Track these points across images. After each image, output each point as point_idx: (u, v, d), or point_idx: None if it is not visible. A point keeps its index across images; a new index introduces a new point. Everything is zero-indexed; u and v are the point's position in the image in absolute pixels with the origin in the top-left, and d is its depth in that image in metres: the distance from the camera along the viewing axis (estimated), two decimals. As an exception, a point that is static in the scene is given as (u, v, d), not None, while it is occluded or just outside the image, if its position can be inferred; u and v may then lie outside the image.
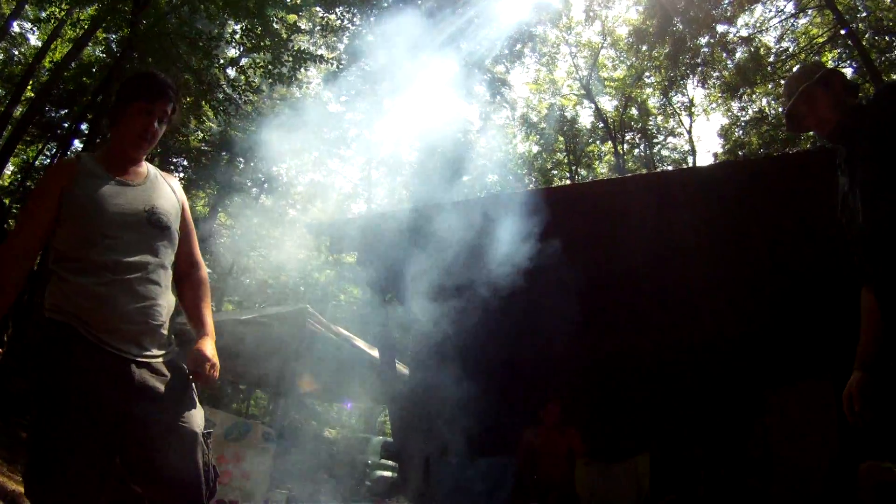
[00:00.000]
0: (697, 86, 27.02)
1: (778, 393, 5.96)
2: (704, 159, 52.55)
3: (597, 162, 30.73)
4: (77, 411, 2.55)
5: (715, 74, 25.64)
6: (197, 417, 2.86)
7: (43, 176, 2.99)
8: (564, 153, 30.53)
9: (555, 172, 30.70)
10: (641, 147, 30.35)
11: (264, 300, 23.90)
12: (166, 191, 3.11)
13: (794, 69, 3.11)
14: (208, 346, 2.95)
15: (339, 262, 21.31)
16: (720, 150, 27.91)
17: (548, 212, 5.54)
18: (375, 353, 10.47)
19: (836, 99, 2.87)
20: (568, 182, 28.96)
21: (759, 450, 6.15)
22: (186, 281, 3.20)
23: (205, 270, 3.31)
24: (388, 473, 12.23)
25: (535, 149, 30.97)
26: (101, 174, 2.93)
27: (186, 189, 20.37)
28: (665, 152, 30.40)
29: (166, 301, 2.93)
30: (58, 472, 2.53)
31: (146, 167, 3.12)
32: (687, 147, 29.78)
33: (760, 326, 6.83)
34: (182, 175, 17.93)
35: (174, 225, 3.04)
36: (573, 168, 30.20)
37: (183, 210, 3.16)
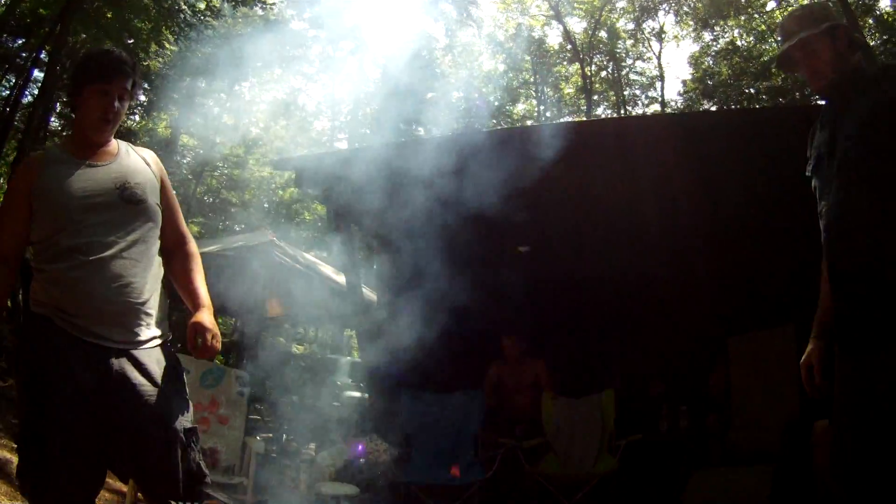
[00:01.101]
0: (669, 13, 26.95)
1: (740, 338, 6.13)
2: (673, 86, 52.93)
3: (563, 83, 30.62)
4: (61, 404, 2.59)
5: (687, 4, 25.56)
6: (179, 413, 2.77)
7: (13, 176, 3.06)
8: (531, 73, 30.38)
9: (521, 91, 30.62)
10: (609, 69, 30.23)
11: (227, 218, 23.86)
12: (140, 165, 3.03)
13: (798, 7, 2.99)
14: (206, 317, 2.92)
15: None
16: (689, 78, 27.92)
17: (519, 150, 5.58)
18: (341, 278, 10.58)
19: (836, 54, 2.74)
20: (534, 101, 29.04)
21: (720, 393, 6.36)
22: (175, 256, 3.12)
23: (193, 244, 3.24)
24: (357, 394, 12.38)
25: (502, 67, 30.72)
26: (67, 159, 2.90)
27: (147, 112, 20.13)
28: (633, 76, 30.49)
29: (148, 278, 2.88)
30: (48, 465, 2.58)
31: (116, 144, 3.04)
32: (656, 72, 29.89)
33: (728, 271, 6.98)
34: (143, 98, 17.58)
35: (151, 198, 2.95)
36: (539, 88, 30.16)
37: (163, 183, 3.08)
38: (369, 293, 9.54)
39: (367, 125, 25.07)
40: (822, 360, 2.78)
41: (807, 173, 2.87)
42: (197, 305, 2.98)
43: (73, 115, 3.05)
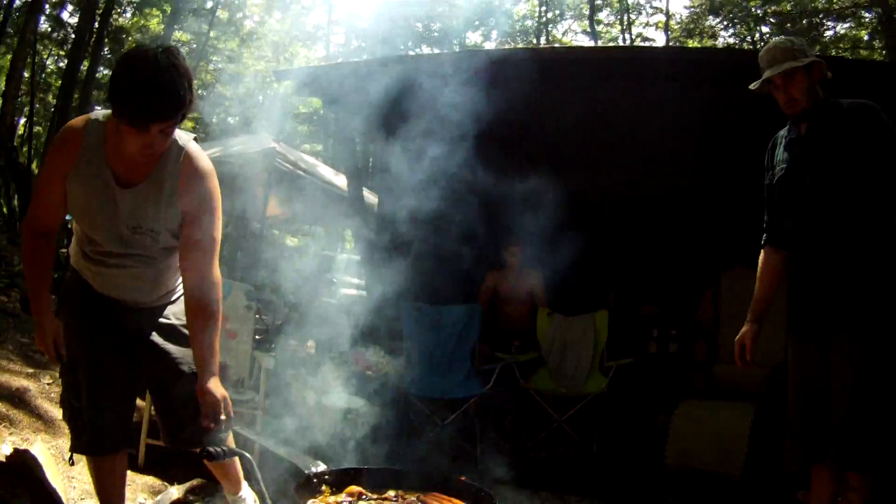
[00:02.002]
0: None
1: (733, 274, 6.30)
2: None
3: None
4: (92, 340, 3.01)
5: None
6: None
7: (50, 153, 2.93)
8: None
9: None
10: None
11: (222, 112, 23.60)
12: (165, 191, 2.83)
13: (780, 39, 3.35)
14: (216, 387, 2.78)
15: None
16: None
17: (528, 70, 5.62)
18: (340, 179, 10.69)
19: (811, 86, 3.20)
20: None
21: (709, 324, 6.59)
22: (191, 307, 2.89)
23: (218, 290, 2.91)
24: (353, 291, 12.46)
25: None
26: (100, 167, 2.76)
27: (140, 9, 19.71)
28: None
29: (162, 281, 3.14)
30: (81, 390, 3.01)
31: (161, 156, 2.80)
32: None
33: (730, 205, 7.08)
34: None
35: (164, 232, 2.90)
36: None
37: (187, 208, 2.87)
38: (370, 196, 9.62)
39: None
40: (753, 341, 3.53)
41: (768, 182, 3.48)
42: (206, 375, 2.81)
43: None
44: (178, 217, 2.87)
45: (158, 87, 2.45)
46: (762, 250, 3.64)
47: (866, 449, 3.04)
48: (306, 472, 2.56)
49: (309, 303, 10.16)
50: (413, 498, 2.68)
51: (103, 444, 3.10)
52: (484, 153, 6.20)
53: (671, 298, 7.61)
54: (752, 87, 3.36)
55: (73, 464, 3.29)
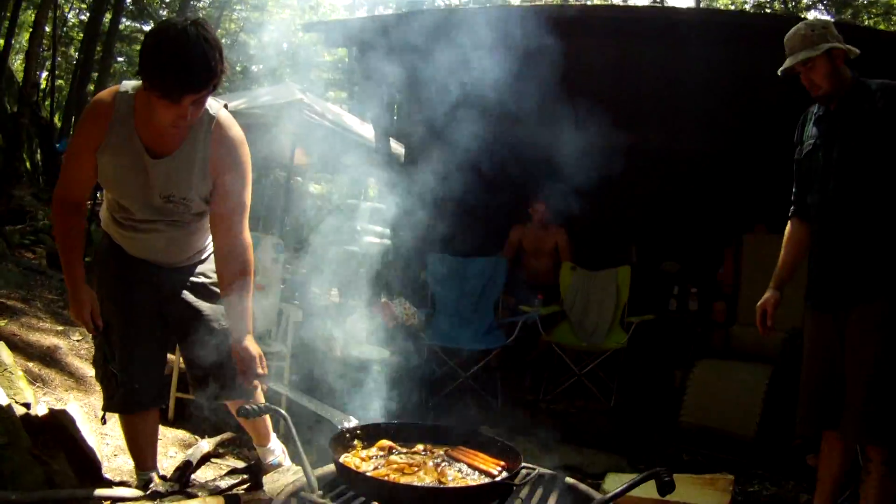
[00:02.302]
0: None
1: (755, 237, 6.34)
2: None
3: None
4: (131, 293, 3.11)
5: None
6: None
7: (79, 125, 2.97)
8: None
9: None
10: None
11: (246, 60, 23.43)
12: (197, 161, 2.89)
13: (800, 26, 3.37)
14: (251, 344, 2.89)
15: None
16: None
17: (552, 26, 5.61)
18: (368, 129, 10.73)
19: (832, 70, 3.25)
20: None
21: (729, 285, 6.65)
22: (226, 268, 2.98)
23: (250, 252, 3.01)
24: (376, 240, 12.55)
25: None
26: (131, 139, 2.80)
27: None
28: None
29: (193, 242, 3.23)
30: (122, 343, 3.14)
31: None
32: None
33: (759, 167, 7.08)
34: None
35: (197, 205, 2.99)
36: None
37: (223, 181, 2.92)
38: (396, 146, 9.66)
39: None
40: (774, 307, 3.63)
41: (797, 156, 3.55)
42: (241, 333, 2.91)
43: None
44: (210, 184, 2.93)
45: (189, 60, 2.47)
46: (789, 221, 3.70)
47: (886, 424, 3.10)
48: (339, 427, 2.66)
49: (333, 251, 10.28)
50: (441, 452, 2.80)
51: (136, 402, 3.23)
52: (511, 108, 6.22)
53: (693, 257, 7.67)
54: (779, 71, 3.40)
55: (104, 422, 3.39)
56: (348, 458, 2.53)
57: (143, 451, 3.37)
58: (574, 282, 7.11)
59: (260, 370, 2.86)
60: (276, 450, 3.72)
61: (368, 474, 2.39)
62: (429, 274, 7.07)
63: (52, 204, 2.95)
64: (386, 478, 2.38)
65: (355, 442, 2.68)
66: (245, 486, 3.30)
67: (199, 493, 2.87)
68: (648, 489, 3.93)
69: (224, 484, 3.14)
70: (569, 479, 2.78)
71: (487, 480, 2.50)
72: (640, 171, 7.82)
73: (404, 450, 2.75)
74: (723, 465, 4.75)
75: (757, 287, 5.82)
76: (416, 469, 2.52)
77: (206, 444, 4.06)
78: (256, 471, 3.48)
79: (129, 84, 2.86)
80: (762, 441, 5.01)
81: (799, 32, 3.32)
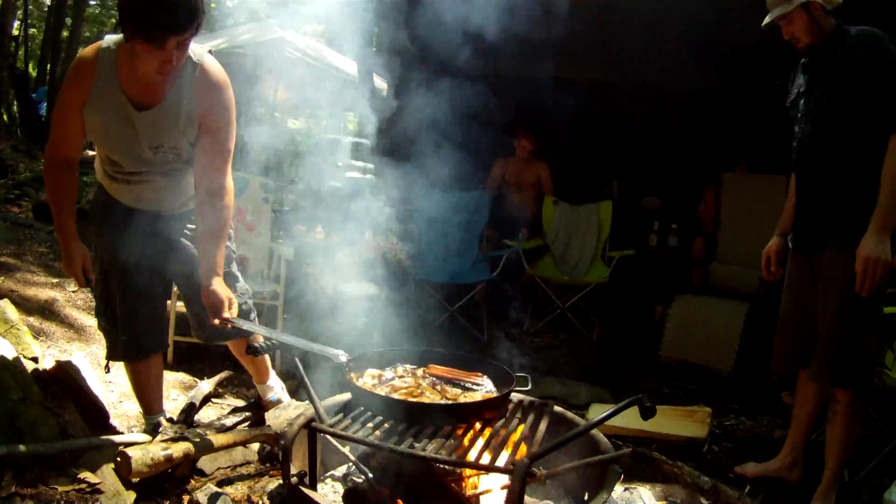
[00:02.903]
0: None
1: (735, 176, 6.44)
2: None
3: None
4: (128, 242, 3.14)
5: None
6: None
7: (65, 83, 2.91)
8: None
9: None
10: None
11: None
12: (184, 108, 2.91)
13: None
14: (220, 287, 2.90)
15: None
16: None
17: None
18: (351, 65, 10.71)
19: (811, 23, 3.29)
20: None
21: (708, 222, 6.77)
22: (204, 214, 3.00)
23: (230, 198, 3.04)
24: (358, 174, 12.47)
25: None
26: (116, 94, 2.81)
27: None
28: None
29: (184, 189, 3.25)
30: (122, 292, 3.22)
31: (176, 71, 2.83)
32: None
33: (742, 108, 7.14)
34: None
35: (185, 152, 3.04)
36: None
37: (209, 126, 2.96)
38: (379, 81, 9.64)
39: None
40: (779, 253, 3.70)
41: (787, 104, 3.60)
42: (210, 275, 2.93)
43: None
44: (196, 130, 2.97)
45: (171, 1, 2.49)
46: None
47: (846, 366, 3.21)
48: (338, 360, 2.83)
49: (316, 188, 10.28)
50: (420, 372, 3.05)
51: (139, 350, 3.36)
52: (495, 43, 6.23)
53: (673, 194, 7.79)
54: (762, 26, 3.46)
55: (108, 370, 3.49)
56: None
57: (149, 396, 3.48)
58: (556, 216, 7.23)
59: (226, 314, 2.89)
60: (275, 386, 3.84)
61: (396, 396, 2.67)
62: (413, 209, 7.11)
63: (43, 163, 2.96)
64: (407, 398, 2.67)
65: (351, 374, 2.85)
66: (249, 423, 3.44)
67: (208, 432, 2.99)
68: (630, 420, 4.14)
69: (229, 422, 3.27)
70: (557, 408, 2.95)
71: (496, 394, 2.81)
72: (624, 108, 7.87)
73: (391, 374, 2.96)
74: (701, 399, 4.94)
75: (736, 225, 6.04)
76: (420, 391, 2.79)
77: (207, 385, 4.15)
78: (259, 407, 3.64)
79: (112, 39, 2.85)
80: (739, 377, 5.16)
81: None
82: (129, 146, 2.94)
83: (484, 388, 2.96)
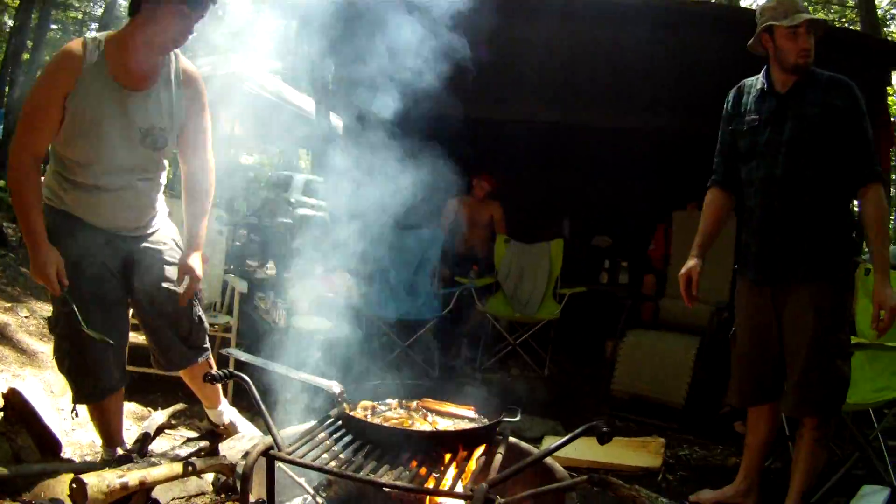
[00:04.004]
0: None
1: (685, 214, 6.56)
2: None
3: None
4: (91, 279, 3.09)
5: None
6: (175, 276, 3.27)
7: (46, 74, 2.95)
8: None
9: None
10: None
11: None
12: (172, 94, 3.09)
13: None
14: (195, 261, 3.19)
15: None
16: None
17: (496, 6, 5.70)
18: (309, 102, 10.78)
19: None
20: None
21: (658, 258, 6.91)
22: (191, 196, 3.32)
23: (212, 175, 3.37)
24: (310, 212, 12.52)
25: None
26: (105, 81, 2.89)
27: None
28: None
29: (154, 205, 3.32)
30: (81, 334, 3.03)
31: (161, 62, 3.05)
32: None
33: (692, 149, 7.29)
34: None
35: (171, 140, 3.16)
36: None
37: (195, 111, 3.21)
38: (335, 119, 9.70)
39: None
40: (699, 274, 3.68)
41: (731, 127, 3.64)
42: (192, 247, 3.25)
43: (133, 15, 2.92)
44: (183, 113, 3.14)
45: None
46: (709, 190, 3.85)
47: (819, 396, 3.29)
48: (330, 391, 2.88)
49: (268, 224, 10.28)
50: (413, 404, 3.07)
51: (108, 388, 3.27)
52: (454, 84, 6.32)
53: (623, 232, 7.93)
54: (760, 28, 3.43)
55: (77, 415, 3.39)
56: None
57: (113, 430, 3.43)
58: (508, 254, 7.31)
59: (191, 284, 3.15)
60: (225, 411, 3.80)
61: (385, 424, 2.71)
62: (366, 246, 7.13)
63: (10, 162, 2.85)
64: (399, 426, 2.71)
65: (344, 405, 2.87)
66: (204, 454, 3.40)
67: (163, 461, 2.96)
68: (583, 450, 4.19)
69: (183, 452, 3.22)
70: (511, 438, 2.98)
71: (483, 424, 2.85)
72: (576, 148, 8.02)
73: (384, 407, 2.98)
74: (654, 431, 5.00)
75: (685, 262, 6.12)
76: (410, 421, 2.81)
77: (161, 416, 4.08)
78: (214, 435, 3.61)
79: (96, 34, 2.97)
80: (691, 408, 5.23)
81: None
82: (120, 132, 2.97)
83: (475, 420, 2.98)
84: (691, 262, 3.71)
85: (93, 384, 3.21)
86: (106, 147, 2.98)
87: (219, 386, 3.74)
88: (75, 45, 2.90)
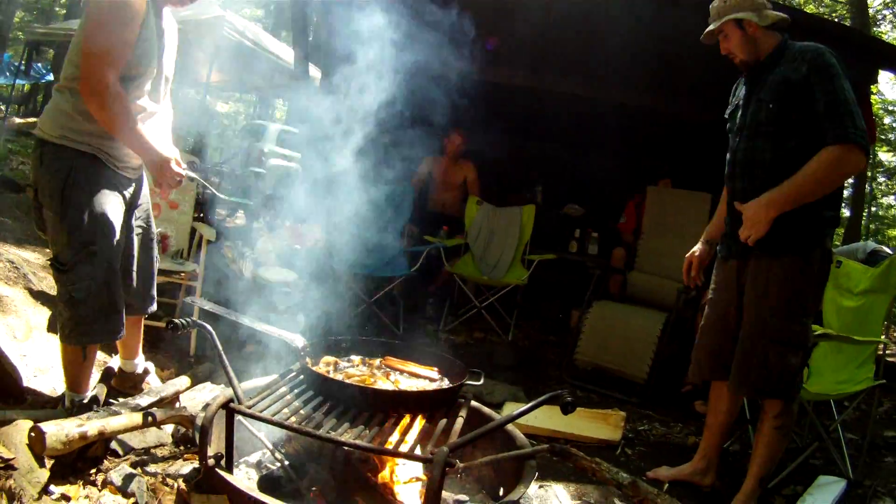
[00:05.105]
0: None
1: (660, 190, 6.56)
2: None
3: None
4: (115, 217, 3.12)
5: None
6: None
7: (121, 7, 2.91)
8: None
9: None
10: None
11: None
12: (174, 30, 3.34)
13: None
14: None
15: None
16: None
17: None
18: (285, 50, 10.61)
19: (746, 40, 3.38)
20: None
21: (630, 231, 6.92)
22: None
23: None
24: (283, 162, 12.42)
25: None
26: (154, 18, 3.04)
27: None
28: None
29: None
30: (112, 262, 3.13)
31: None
32: None
33: (664, 123, 7.29)
34: None
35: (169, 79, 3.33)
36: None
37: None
38: (314, 70, 9.59)
39: None
40: (702, 259, 3.75)
41: (725, 115, 3.65)
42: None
43: None
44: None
45: None
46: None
47: (767, 379, 3.26)
48: (299, 346, 2.88)
49: (240, 172, 10.18)
50: (376, 362, 3.10)
51: (120, 325, 3.22)
52: (434, 43, 6.24)
53: (596, 203, 7.93)
54: (701, 39, 3.51)
55: (85, 358, 3.23)
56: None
57: (89, 375, 3.31)
58: (479, 216, 7.30)
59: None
60: (139, 364, 3.75)
61: (347, 381, 2.70)
62: (336, 200, 7.07)
63: (97, 87, 2.83)
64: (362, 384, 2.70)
65: (307, 359, 2.86)
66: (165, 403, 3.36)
67: (122, 411, 2.92)
68: (543, 419, 4.21)
69: (144, 402, 3.18)
70: (473, 402, 2.98)
71: (446, 386, 2.87)
72: (553, 117, 7.99)
73: (347, 363, 2.98)
74: (615, 404, 5.02)
75: (656, 237, 6.18)
76: (373, 379, 2.82)
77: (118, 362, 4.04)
78: (109, 377, 3.68)
79: None
80: (653, 384, 5.24)
81: (714, 5, 3.46)
82: (157, 66, 3.12)
83: (438, 382, 2.99)
84: (697, 247, 3.82)
85: (107, 322, 3.15)
86: (148, 74, 3.10)
87: (141, 337, 3.73)
88: None
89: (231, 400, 2.47)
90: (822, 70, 3.14)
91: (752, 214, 3.18)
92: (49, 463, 2.57)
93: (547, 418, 4.23)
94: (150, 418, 2.89)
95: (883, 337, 4.50)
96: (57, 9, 30.71)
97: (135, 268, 3.39)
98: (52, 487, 2.53)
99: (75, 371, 3.25)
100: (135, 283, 3.40)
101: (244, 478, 2.82)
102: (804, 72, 3.17)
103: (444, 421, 2.57)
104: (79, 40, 2.92)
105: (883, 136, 20.57)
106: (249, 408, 2.45)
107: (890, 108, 22.08)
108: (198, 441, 2.41)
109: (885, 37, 21.64)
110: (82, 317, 3.07)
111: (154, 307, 3.58)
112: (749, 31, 3.36)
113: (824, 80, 3.12)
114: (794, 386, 3.30)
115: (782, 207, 3.14)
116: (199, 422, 2.42)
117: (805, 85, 3.16)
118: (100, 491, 2.66)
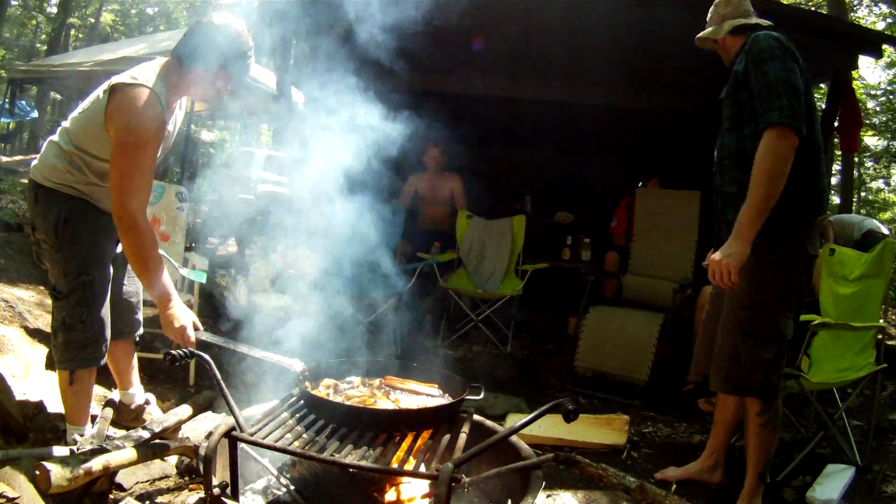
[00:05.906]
0: None
1: (649, 191, 6.58)
2: None
3: None
4: (106, 253, 3.34)
5: None
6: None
7: (153, 133, 3.01)
8: None
9: None
10: None
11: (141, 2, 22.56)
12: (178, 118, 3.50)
13: (717, 2, 3.60)
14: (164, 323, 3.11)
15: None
16: None
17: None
18: (270, 77, 10.60)
19: (719, 47, 3.58)
20: None
21: (621, 235, 6.92)
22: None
23: None
24: (270, 187, 12.40)
25: None
26: (163, 110, 3.05)
27: None
28: None
29: None
30: (102, 292, 3.29)
31: None
32: None
33: (650, 125, 7.31)
34: None
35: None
36: None
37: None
38: (297, 93, 9.60)
39: None
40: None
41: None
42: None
43: (186, 66, 3.13)
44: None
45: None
46: None
47: (739, 375, 3.27)
48: (292, 370, 2.88)
49: (229, 200, 10.14)
50: (376, 382, 3.09)
51: (104, 352, 3.32)
52: (412, 57, 6.27)
53: (586, 208, 7.94)
54: (697, 43, 3.63)
55: (72, 383, 3.31)
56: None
57: (86, 406, 3.38)
58: (470, 230, 7.28)
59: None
60: (136, 393, 3.85)
61: (348, 403, 2.71)
62: (326, 221, 7.08)
63: (127, 219, 2.91)
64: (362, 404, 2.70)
65: (306, 383, 2.86)
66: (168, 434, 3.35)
67: (126, 444, 2.91)
68: (548, 428, 4.20)
69: (146, 434, 3.17)
70: (476, 416, 2.97)
71: (447, 402, 2.86)
72: (536, 124, 8.00)
73: (347, 385, 2.98)
74: (617, 408, 5.03)
75: (648, 238, 6.18)
76: (374, 399, 2.82)
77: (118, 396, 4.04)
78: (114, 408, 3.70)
79: (146, 78, 3.02)
80: (654, 385, 5.24)
81: (711, 13, 3.59)
82: (170, 141, 3.42)
83: (439, 398, 2.99)
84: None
85: (94, 349, 3.27)
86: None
87: (136, 367, 3.84)
88: (153, 101, 2.97)
89: (233, 428, 2.47)
90: (755, 56, 3.18)
91: (715, 266, 3.12)
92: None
93: (551, 427, 4.23)
94: (153, 451, 2.88)
95: (881, 321, 4.50)
96: (38, 45, 30.90)
97: (123, 295, 3.61)
98: (58, 525, 2.53)
99: (70, 400, 3.33)
100: (124, 310, 3.61)
101: (250, 504, 2.82)
102: (745, 62, 3.23)
103: (447, 437, 2.57)
104: (90, 127, 3.07)
105: (868, 121, 20.61)
106: (251, 435, 2.44)
107: (872, 92, 22.14)
108: (202, 471, 2.40)
109: (862, 21, 21.73)
110: (72, 342, 3.22)
111: (141, 330, 3.75)
112: (719, 41, 3.53)
113: (756, 65, 3.16)
114: (769, 383, 3.27)
115: (751, 230, 3.06)
116: (202, 452, 2.41)
117: (746, 75, 3.22)
118: (107, 526, 2.66)
